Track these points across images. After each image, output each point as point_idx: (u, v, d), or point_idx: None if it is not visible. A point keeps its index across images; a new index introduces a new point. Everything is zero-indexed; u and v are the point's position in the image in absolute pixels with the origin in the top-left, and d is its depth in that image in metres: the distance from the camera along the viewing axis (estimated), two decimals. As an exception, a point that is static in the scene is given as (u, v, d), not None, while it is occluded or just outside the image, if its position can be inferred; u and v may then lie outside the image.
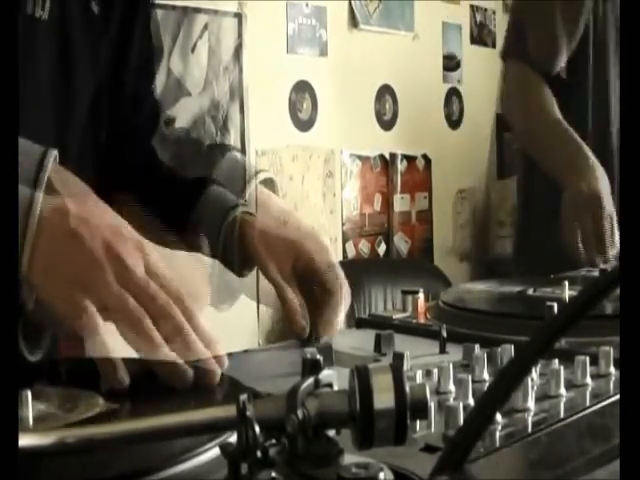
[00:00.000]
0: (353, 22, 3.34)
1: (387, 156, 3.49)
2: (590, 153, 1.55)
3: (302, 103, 3.20)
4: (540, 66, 1.65)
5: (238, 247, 0.91)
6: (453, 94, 3.72)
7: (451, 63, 3.70)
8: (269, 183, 0.96)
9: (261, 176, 0.94)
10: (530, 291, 1.08)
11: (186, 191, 0.95)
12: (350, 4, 3.33)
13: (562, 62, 1.65)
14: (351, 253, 3.39)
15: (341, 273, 0.89)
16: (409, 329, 0.92)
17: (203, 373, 0.63)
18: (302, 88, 3.19)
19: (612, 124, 1.71)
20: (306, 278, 0.89)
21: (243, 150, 3.06)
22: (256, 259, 0.90)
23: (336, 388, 0.48)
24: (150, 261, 0.64)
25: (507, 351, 0.74)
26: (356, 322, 0.98)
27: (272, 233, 0.91)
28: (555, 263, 1.29)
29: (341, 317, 0.87)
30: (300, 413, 0.45)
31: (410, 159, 3.58)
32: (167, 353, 0.61)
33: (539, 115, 1.65)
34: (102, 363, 0.61)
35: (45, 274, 0.61)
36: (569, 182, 1.53)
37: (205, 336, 0.64)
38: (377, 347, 0.82)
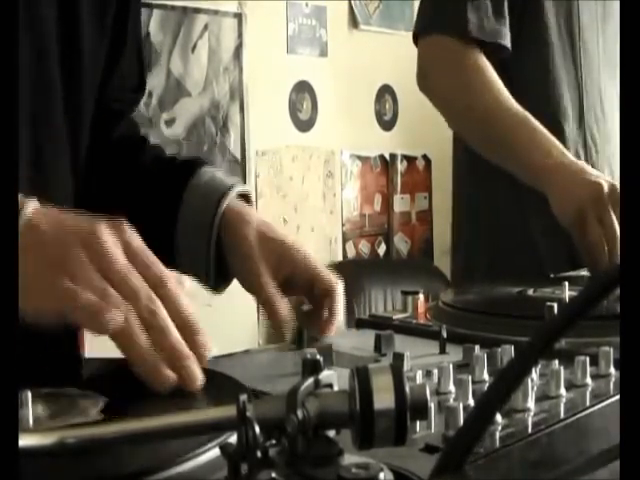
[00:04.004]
0: (353, 22, 3.35)
1: (387, 156, 3.49)
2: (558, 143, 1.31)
3: (302, 103, 3.20)
4: (484, 37, 1.35)
5: (229, 245, 0.87)
6: (453, 94, 3.72)
7: (451, 63, 3.70)
8: (244, 197, 0.92)
9: (237, 189, 0.90)
10: (530, 291, 1.08)
11: (172, 177, 0.92)
12: (350, 4, 3.33)
13: (507, 33, 1.37)
14: (351, 253, 3.39)
15: (332, 274, 0.87)
16: (409, 329, 0.92)
17: (184, 378, 0.61)
18: (302, 88, 3.19)
19: (560, 108, 1.46)
20: (300, 286, 0.86)
21: (243, 150, 3.06)
22: (248, 266, 0.85)
23: (336, 388, 0.48)
24: (129, 246, 0.63)
25: (507, 351, 0.74)
26: (356, 322, 0.98)
27: (269, 235, 0.87)
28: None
29: (340, 315, 0.87)
30: (300, 413, 0.45)
31: (410, 159, 3.58)
32: (150, 358, 0.60)
33: (488, 97, 1.34)
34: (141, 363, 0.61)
35: (28, 290, 0.59)
36: (554, 185, 1.25)
37: (186, 324, 0.63)
38: (377, 347, 0.82)
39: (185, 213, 0.90)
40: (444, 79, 1.40)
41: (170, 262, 0.90)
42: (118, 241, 0.63)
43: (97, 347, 0.76)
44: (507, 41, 1.39)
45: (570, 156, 1.28)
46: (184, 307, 0.64)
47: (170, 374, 0.61)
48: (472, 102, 1.36)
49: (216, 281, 0.89)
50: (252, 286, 0.85)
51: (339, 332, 0.88)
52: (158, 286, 0.63)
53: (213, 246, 0.87)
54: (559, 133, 1.38)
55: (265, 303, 0.83)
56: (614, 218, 1.18)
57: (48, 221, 0.63)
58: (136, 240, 0.64)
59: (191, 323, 0.64)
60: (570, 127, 1.48)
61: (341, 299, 0.85)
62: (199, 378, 0.62)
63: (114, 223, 0.64)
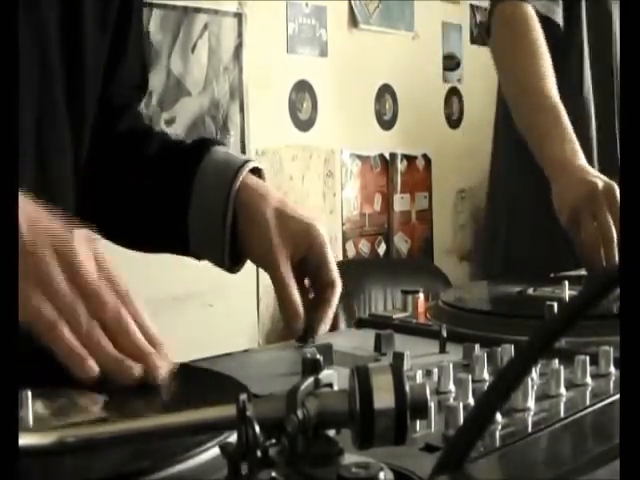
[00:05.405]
0: (353, 22, 3.34)
1: (387, 156, 3.49)
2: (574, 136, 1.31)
3: (302, 103, 3.20)
4: (539, 7, 1.41)
5: (245, 223, 0.85)
6: (453, 94, 3.72)
7: (451, 63, 3.71)
8: (257, 173, 0.90)
9: (250, 165, 0.88)
10: (530, 291, 1.08)
11: (182, 162, 0.90)
12: (350, 4, 3.33)
13: (559, 12, 1.45)
14: (351, 253, 3.39)
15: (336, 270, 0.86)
16: (409, 329, 0.92)
17: (149, 370, 0.62)
18: (302, 88, 3.19)
19: (614, 87, 1.51)
20: (308, 269, 0.85)
21: (243, 150, 3.06)
22: (265, 243, 0.84)
23: (336, 388, 0.48)
24: (99, 259, 0.64)
25: (507, 351, 0.74)
26: (356, 322, 0.98)
27: (288, 212, 0.84)
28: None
29: (330, 315, 0.86)
30: (300, 413, 0.45)
31: (410, 159, 3.58)
32: (112, 353, 0.61)
33: (526, 71, 1.37)
34: (67, 355, 0.61)
35: None
36: (557, 182, 1.26)
37: (150, 336, 0.64)
38: (377, 347, 0.82)
39: (198, 194, 0.88)
40: (499, 42, 1.47)
41: (184, 247, 0.90)
42: (90, 252, 0.64)
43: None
44: (559, 20, 1.44)
45: (583, 159, 1.29)
46: (147, 321, 0.64)
47: (132, 365, 0.61)
48: (512, 69, 1.42)
49: (231, 261, 0.88)
50: (268, 268, 0.84)
51: (329, 332, 0.87)
52: (124, 302, 0.64)
53: (229, 224, 0.86)
54: (584, 133, 1.42)
55: (279, 288, 0.82)
56: (609, 216, 1.18)
57: (23, 219, 0.62)
58: (104, 254, 0.65)
59: (154, 336, 0.64)
60: (594, 129, 1.52)
61: (335, 299, 0.84)
62: (163, 368, 0.62)
63: (87, 233, 0.65)
